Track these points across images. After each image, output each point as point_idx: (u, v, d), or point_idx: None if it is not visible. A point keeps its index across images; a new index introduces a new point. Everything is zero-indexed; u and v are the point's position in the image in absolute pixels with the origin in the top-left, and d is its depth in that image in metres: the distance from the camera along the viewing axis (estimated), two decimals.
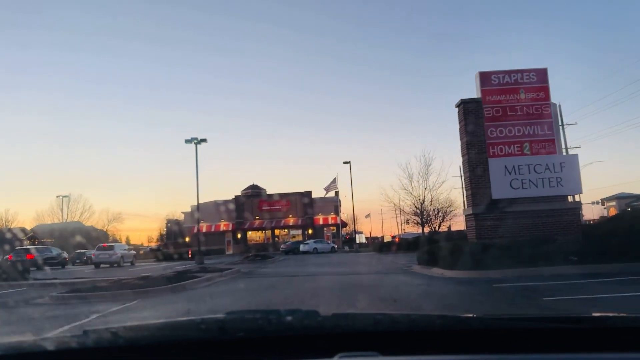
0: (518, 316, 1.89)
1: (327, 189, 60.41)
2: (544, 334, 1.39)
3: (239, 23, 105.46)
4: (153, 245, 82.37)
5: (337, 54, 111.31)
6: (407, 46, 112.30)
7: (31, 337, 1.61)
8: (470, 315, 1.86)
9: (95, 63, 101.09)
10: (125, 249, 35.12)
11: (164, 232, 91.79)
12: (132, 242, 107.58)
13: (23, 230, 68.41)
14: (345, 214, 69.97)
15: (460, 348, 1.34)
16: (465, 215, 18.51)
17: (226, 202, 66.47)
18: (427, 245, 19.95)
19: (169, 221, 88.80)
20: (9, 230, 63.95)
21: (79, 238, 51.26)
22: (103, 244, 34.36)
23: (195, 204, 71.00)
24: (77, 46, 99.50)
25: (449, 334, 1.43)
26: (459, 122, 18.24)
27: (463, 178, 28.18)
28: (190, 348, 1.42)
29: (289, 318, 1.46)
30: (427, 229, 45.30)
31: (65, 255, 35.67)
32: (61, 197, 62.22)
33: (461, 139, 18.17)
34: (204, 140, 34.53)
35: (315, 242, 49.49)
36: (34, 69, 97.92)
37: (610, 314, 1.62)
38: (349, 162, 48.43)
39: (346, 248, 46.48)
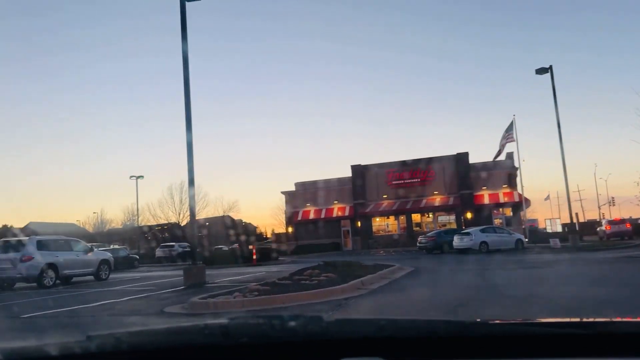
0: (523, 322, 1.67)
1: (503, 147, 36.28)
2: (549, 339, 1.37)
3: None
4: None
5: None
6: None
7: (34, 342, 1.57)
8: (475, 320, 1.64)
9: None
10: None
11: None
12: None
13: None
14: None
15: (465, 354, 1.34)
16: None
17: (341, 178, 46.16)
18: None
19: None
20: None
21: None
22: None
23: (305, 181, 52.29)
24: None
25: (454, 339, 1.41)
26: None
27: None
28: (194, 353, 1.43)
29: (293, 323, 1.45)
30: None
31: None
32: (135, 177, 48.36)
33: None
34: None
35: (482, 231, 26.18)
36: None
37: (617, 320, 1.56)
38: (547, 70, 23.92)
39: (554, 242, 22.42)
